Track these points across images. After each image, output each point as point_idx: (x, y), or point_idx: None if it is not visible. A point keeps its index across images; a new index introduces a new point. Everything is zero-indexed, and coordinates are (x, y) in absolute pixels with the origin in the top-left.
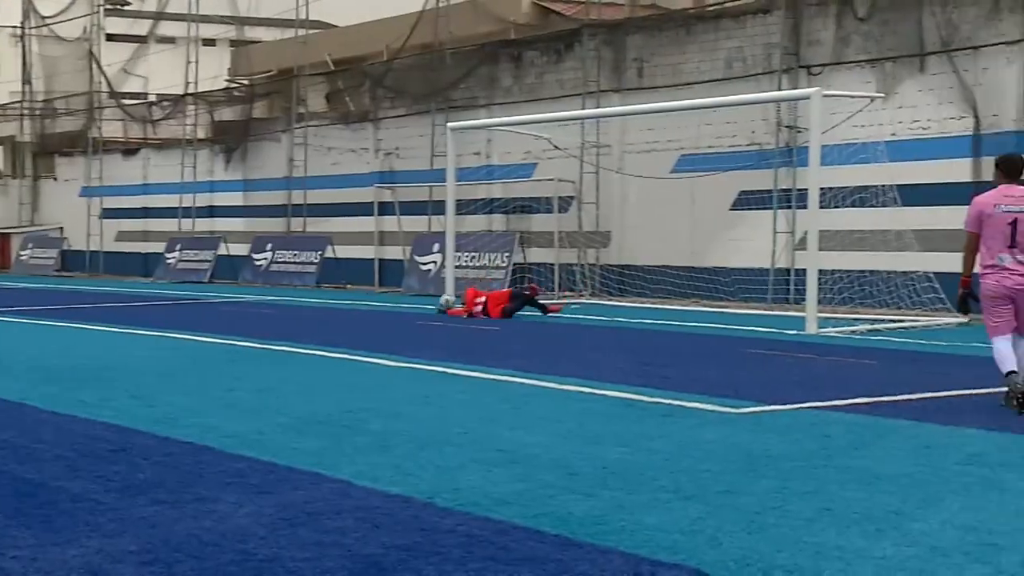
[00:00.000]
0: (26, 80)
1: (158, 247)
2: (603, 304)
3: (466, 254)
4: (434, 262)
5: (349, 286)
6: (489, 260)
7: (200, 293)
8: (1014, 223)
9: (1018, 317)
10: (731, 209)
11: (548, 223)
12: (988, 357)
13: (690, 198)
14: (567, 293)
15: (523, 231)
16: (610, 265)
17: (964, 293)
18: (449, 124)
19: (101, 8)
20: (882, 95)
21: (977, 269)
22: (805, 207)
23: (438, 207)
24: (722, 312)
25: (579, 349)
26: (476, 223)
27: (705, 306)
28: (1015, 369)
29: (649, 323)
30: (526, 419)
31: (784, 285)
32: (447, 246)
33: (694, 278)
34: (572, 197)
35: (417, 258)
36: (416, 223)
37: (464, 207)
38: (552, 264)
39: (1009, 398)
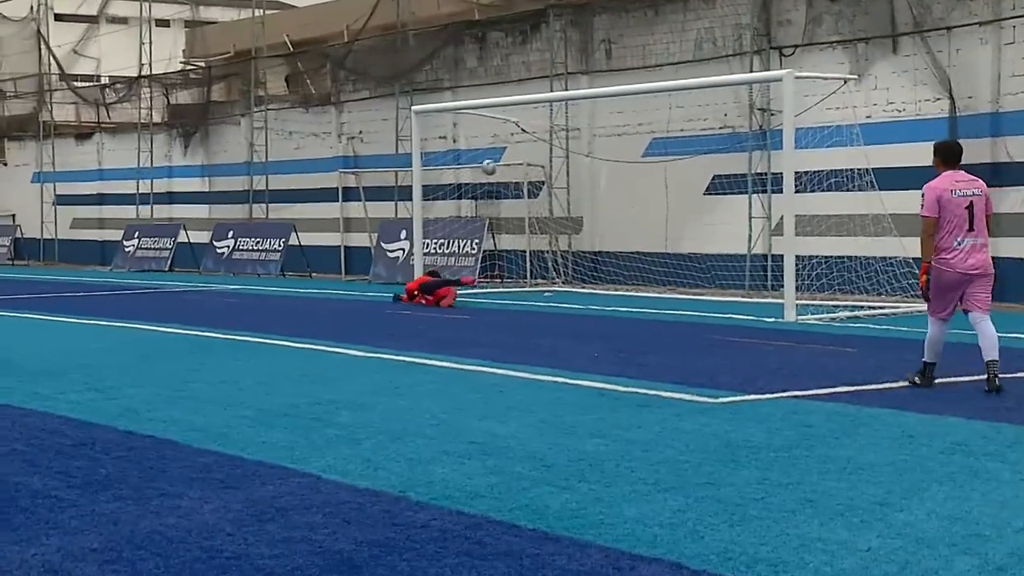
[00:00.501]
0: None
1: (115, 235)
2: (576, 292)
3: (435, 241)
4: (402, 249)
5: (314, 274)
6: (459, 247)
7: (160, 282)
8: (970, 207)
9: (971, 297)
10: (705, 193)
11: (518, 209)
12: (971, 344)
13: (663, 183)
14: (539, 281)
15: (493, 217)
16: (583, 252)
17: (928, 280)
18: (413, 107)
19: None
20: (855, 77)
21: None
22: (781, 191)
23: (404, 192)
24: (698, 299)
25: (551, 338)
26: (445, 209)
27: (681, 293)
28: (936, 361)
29: (623, 311)
30: (498, 410)
31: (761, 271)
32: (415, 233)
33: (669, 264)
34: (542, 182)
35: (384, 245)
36: (382, 209)
37: (431, 192)
38: (523, 251)
39: (918, 385)
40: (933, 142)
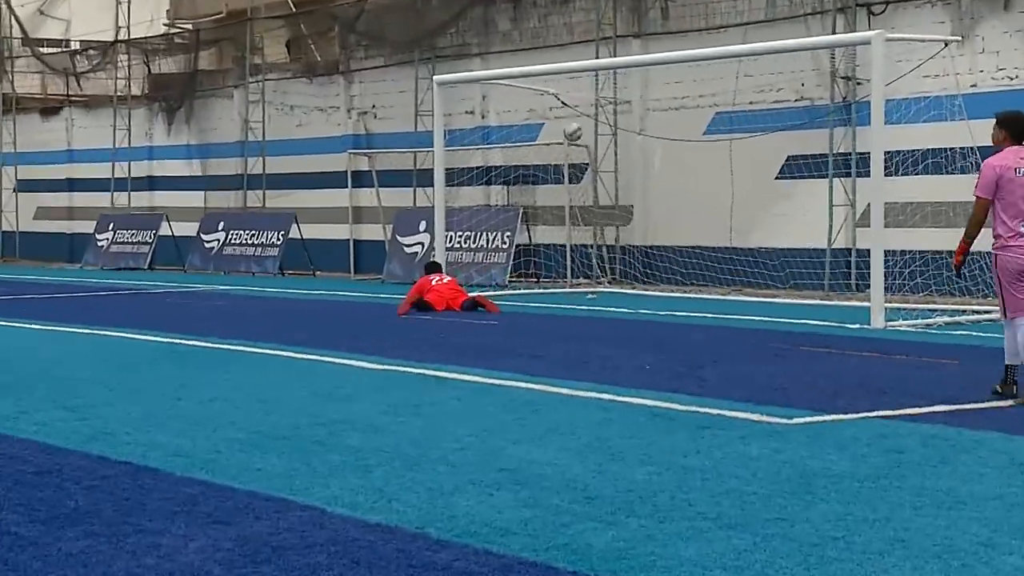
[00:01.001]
0: None
1: (87, 227)
2: (625, 293)
3: (459, 234)
4: (420, 244)
5: (318, 273)
6: (487, 241)
7: (139, 282)
8: None
9: None
10: (778, 178)
11: (557, 196)
12: None
13: (728, 165)
14: (581, 281)
15: (527, 206)
16: (633, 246)
17: (964, 256)
18: (436, 77)
19: None
20: (958, 39)
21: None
22: (867, 175)
23: (424, 177)
24: (769, 302)
25: (596, 347)
26: (471, 196)
27: (748, 295)
28: (1017, 364)
29: (680, 316)
30: (533, 432)
31: (844, 269)
32: (436, 224)
33: (734, 261)
34: (586, 165)
35: (400, 239)
36: (398, 197)
37: (456, 177)
38: (563, 245)
39: (1000, 394)
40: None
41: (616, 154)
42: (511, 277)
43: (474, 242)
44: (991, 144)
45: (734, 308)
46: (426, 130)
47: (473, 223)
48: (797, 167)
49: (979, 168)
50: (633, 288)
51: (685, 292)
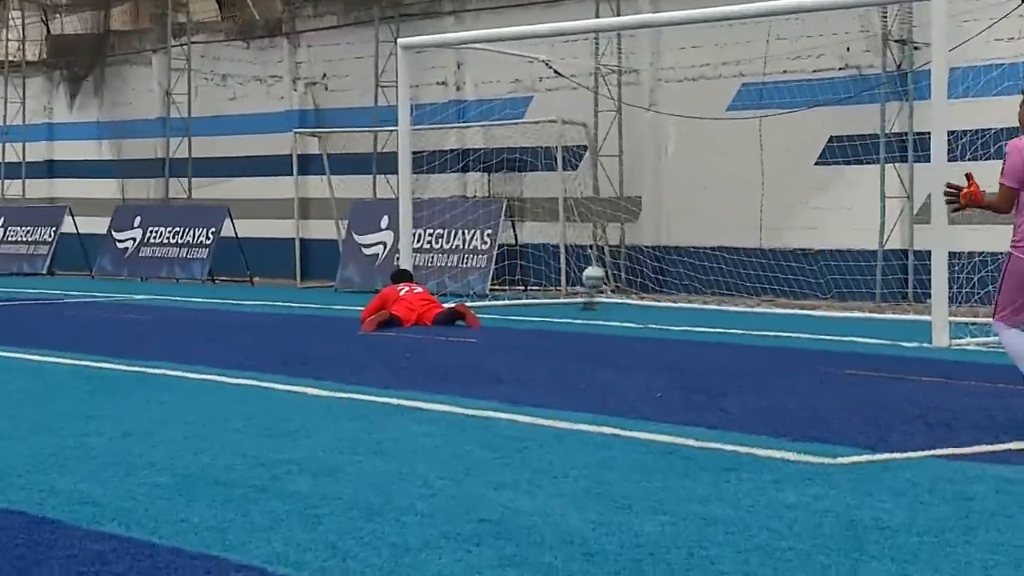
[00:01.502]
0: None
1: None
2: (631, 304)
3: (430, 232)
4: (382, 243)
5: (257, 280)
6: (464, 240)
7: (36, 290)
8: None
9: None
10: (818, 163)
11: (549, 186)
12: None
13: (757, 148)
14: (578, 289)
15: (513, 198)
16: (641, 247)
17: (962, 207)
18: (400, 40)
19: None
20: None
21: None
22: (927, 159)
23: (387, 163)
24: (807, 316)
25: (597, 370)
26: (444, 186)
27: (781, 307)
28: None
29: (699, 331)
30: (520, 474)
31: (899, 275)
32: (401, 220)
33: (764, 266)
34: (584, 148)
35: (357, 238)
36: (355, 186)
37: (426, 162)
38: (556, 246)
39: None
40: None
41: (621, 135)
42: (493, 284)
43: (448, 242)
44: (1019, 124)
45: (764, 322)
46: (388, 105)
47: (447, 219)
48: (841, 150)
49: None
50: (641, 298)
51: (704, 303)
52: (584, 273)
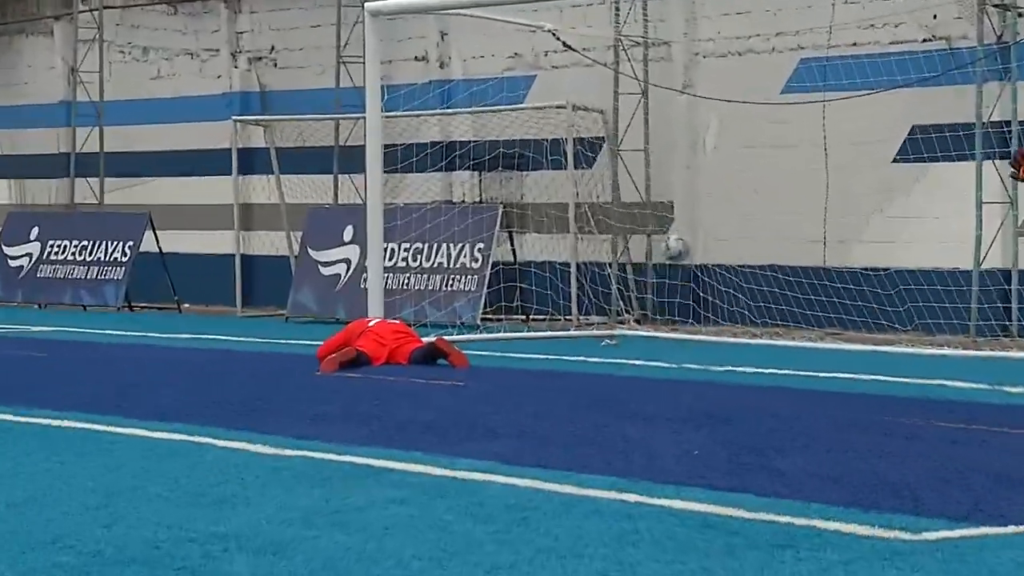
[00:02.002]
0: None
1: None
2: (660, 337)
3: (406, 246)
4: (345, 261)
5: (186, 306)
6: (449, 257)
7: None
8: None
9: None
10: (897, 160)
11: (558, 188)
12: None
13: (820, 140)
14: (594, 319)
15: (511, 203)
16: (674, 266)
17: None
18: (368, 4)
19: None
20: None
21: None
22: None
23: (351, 159)
24: (884, 352)
25: (616, 421)
26: (424, 188)
27: (851, 341)
28: None
29: (747, 372)
30: (520, 552)
31: (998, 303)
32: (369, 232)
33: (829, 289)
34: (601, 140)
35: (314, 254)
36: (312, 188)
37: (401, 158)
38: (566, 264)
39: None
40: None
41: (647, 124)
42: (485, 313)
43: (428, 259)
44: None
45: (829, 361)
46: (354, 86)
47: (427, 229)
48: (927, 143)
49: None
50: (673, 330)
51: (754, 336)
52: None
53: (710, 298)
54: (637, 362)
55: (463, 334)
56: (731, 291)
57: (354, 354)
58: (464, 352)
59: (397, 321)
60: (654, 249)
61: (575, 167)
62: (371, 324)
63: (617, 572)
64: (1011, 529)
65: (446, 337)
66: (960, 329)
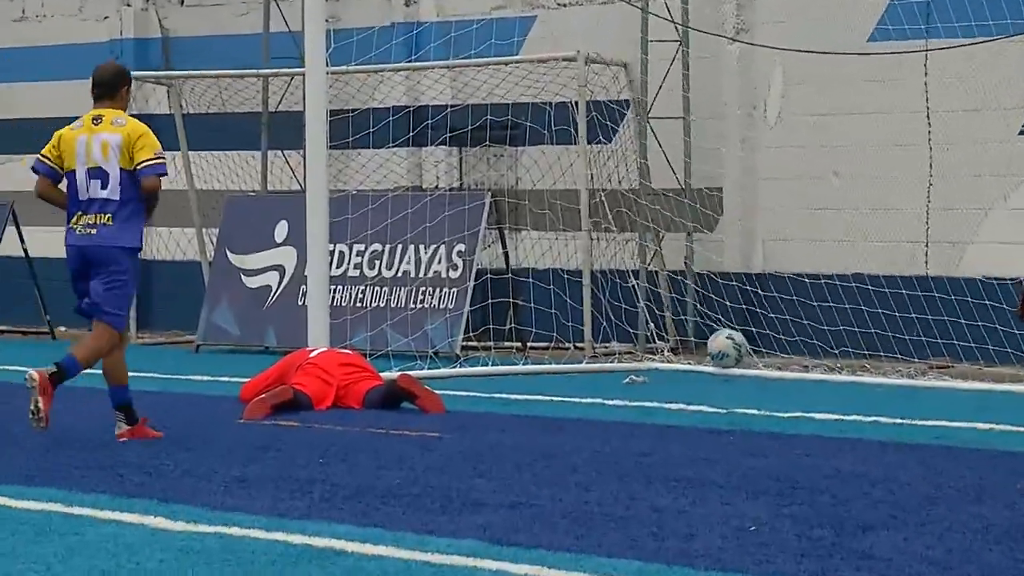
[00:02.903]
0: None
1: None
2: (704, 372)
3: (360, 249)
4: (278, 270)
5: (61, 330)
6: (419, 263)
7: None
8: None
9: None
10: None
11: (564, 170)
12: None
13: (921, 105)
14: (615, 347)
15: (503, 191)
16: (723, 275)
17: None
18: None
19: None
20: None
21: None
22: None
23: (286, 130)
24: (1005, 392)
25: (644, 486)
26: (384, 169)
27: (963, 377)
28: None
29: (818, 419)
30: None
31: None
32: (310, 229)
33: (933, 306)
34: (624, 104)
35: (235, 258)
36: (231, 170)
37: (354, 130)
38: (576, 273)
39: None
40: None
41: (687, 84)
42: (468, 339)
43: (390, 266)
44: None
45: (931, 403)
46: (288, 31)
47: (389, 227)
48: None
49: None
50: (723, 364)
51: (830, 371)
52: (710, 342)
53: (773, 319)
54: (673, 406)
55: (437, 368)
56: (800, 310)
57: (290, 395)
58: (437, 393)
59: (347, 351)
60: (696, 252)
61: (589, 141)
62: (313, 355)
63: None
64: None
65: (412, 373)
66: None
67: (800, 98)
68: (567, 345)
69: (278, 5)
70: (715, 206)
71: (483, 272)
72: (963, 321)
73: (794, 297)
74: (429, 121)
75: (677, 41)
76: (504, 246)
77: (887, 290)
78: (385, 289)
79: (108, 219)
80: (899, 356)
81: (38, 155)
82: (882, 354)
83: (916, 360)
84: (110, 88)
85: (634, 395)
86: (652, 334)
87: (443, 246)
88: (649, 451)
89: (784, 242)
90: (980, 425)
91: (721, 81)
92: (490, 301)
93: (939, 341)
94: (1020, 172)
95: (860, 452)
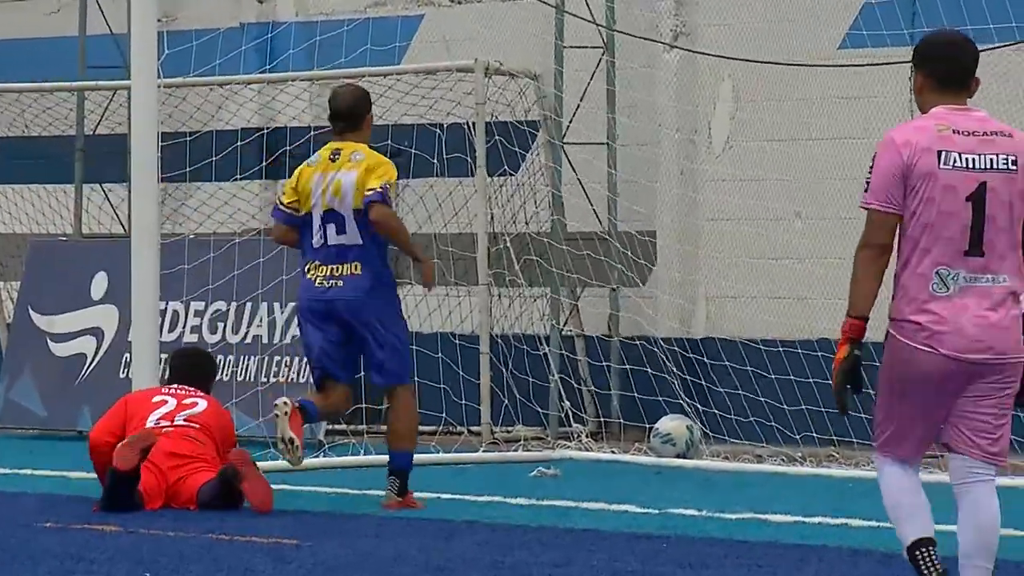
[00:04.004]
0: None
1: None
2: (631, 462)
3: (199, 307)
4: (94, 332)
5: None
6: (274, 325)
7: None
8: (981, 195)
9: (963, 421)
10: None
11: (458, 208)
12: None
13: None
14: (521, 430)
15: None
16: (658, 340)
17: (855, 357)
18: None
19: None
20: None
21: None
22: None
23: (104, 159)
24: (1017, 488)
25: None
26: (232, 208)
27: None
28: (931, 536)
29: (776, 522)
30: None
31: None
32: (136, 282)
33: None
34: (533, 126)
35: (39, 320)
36: (35, 208)
37: (192, 158)
38: (473, 340)
39: None
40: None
41: (613, 100)
42: (341, 417)
43: (237, 329)
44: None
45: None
46: (110, 32)
47: (237, 279)
48: None
49: None
50: (662, 455)
51: (790, 462)
52: (663, 421)
53: (719, 395)
54: (592, 506)
55: (293, 454)
56: (754, 385)
57: (154, 440)
58: (268, 481)
59: (206, 406)
60: (623, 311)
61: (490, 172)
62: (156, 400)
63: None
64: None
65: (267, 466)
66: None
67: (754, 119)
68: (459, 429)
69: (97, 2)
70: (647, 254)
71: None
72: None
73: (747, 367)
74: (287, 147)
75: (600, 48)
76: None
77: (863, 361)
78: (230, 358)
79: (356, 268)
80: (874, 444)
81: (276, 200)
82: (854, 440)
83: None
84: (353, 121)
85: (544, 492)
86: (567, 415)
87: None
88: (563, 562)
89: (733, 299)
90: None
91: (655, 98)
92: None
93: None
94: None
95: (826, 563)
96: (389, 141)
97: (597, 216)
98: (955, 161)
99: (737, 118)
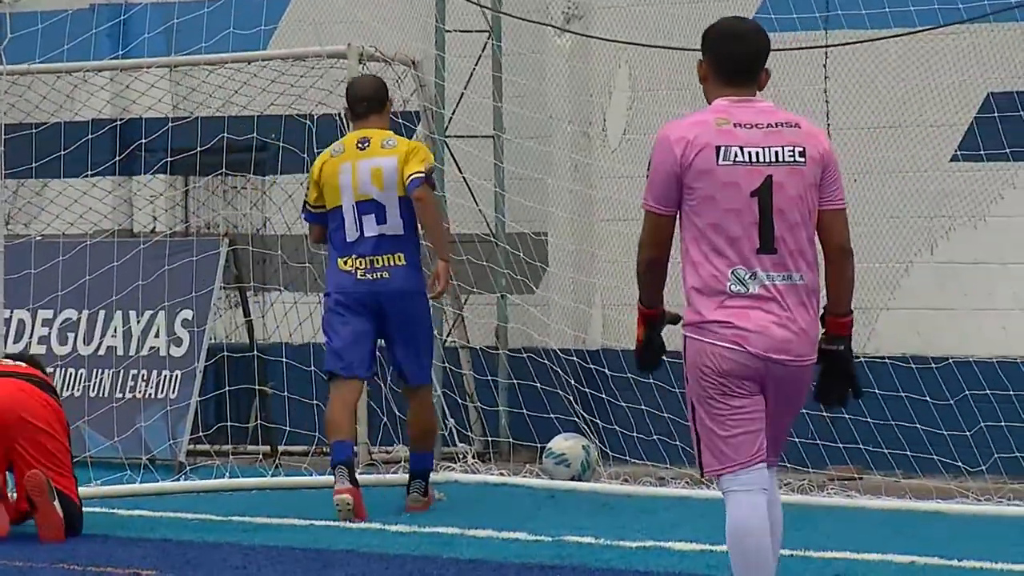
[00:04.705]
0: None
1: None
2: (521, 484)
3: (48, 315)
4: None
5: None
6: (130, 337)
7: None
8: (767, 190)
9: (776, 423)
10: (960, 157)
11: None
12: None
13: (820, 117)
14: (397, 451)
15: (245, 237)
16: (550, 352)
17: (648, 336)
18: None
19: None
20: None
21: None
22: None
23: None
24: (943, 513)
25: None
26: (83, 208)
27: (877, 493)
28: None
29: (680, 550)
30: None
31: None
32: None
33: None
34: (413, 117)
35: None
36: None
37: (39, 151)
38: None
39: None
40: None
41: (499, 91)
42: (197, 440)
43: (89, 340)
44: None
45: (834, 527)
46: None
47: (88, 286)
48: (1014, 127)
49: None
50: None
51: (696, 484)
52: (556, 440)
53: (619, 411)
54: (479, 533)
55: (154, 481)
56: (657, 401)
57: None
58: (60, 515)
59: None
60: (511, 322)
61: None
62: None
63: None
64: None
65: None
66: None
67: (653, 111)
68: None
69: None
70: (538, 257)
71: (217, 349)
72: (871, 420)
73: (648, 380)
74: (143, 140)
75: (485, 32)
76: (247, 313)
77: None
78: (82, 372)
79: (400, 259)
80: (789, 465)
81: (304, 203)
82: (814, 469)
83: (811, 470)
84: (378, 103)
85: (426, 518)
86: (452, 434)
87: (162, 312)
88: None
89: (631, 307)
90: (897, 558)
91: (546, 87)
92: (227, 389)
93: (840, 446)
94: (952, 213)
95: None
96: (255, 133)
97: (483, 216)
98: (736, 156)
99: (635, 108)
